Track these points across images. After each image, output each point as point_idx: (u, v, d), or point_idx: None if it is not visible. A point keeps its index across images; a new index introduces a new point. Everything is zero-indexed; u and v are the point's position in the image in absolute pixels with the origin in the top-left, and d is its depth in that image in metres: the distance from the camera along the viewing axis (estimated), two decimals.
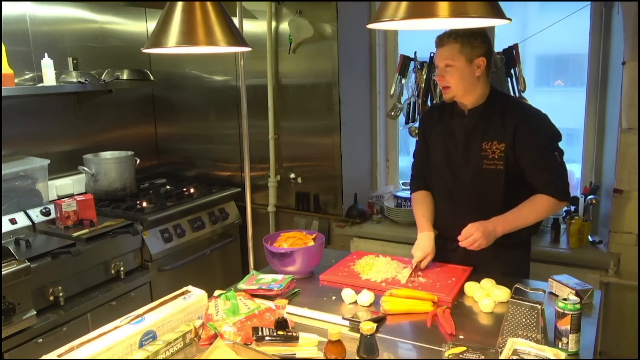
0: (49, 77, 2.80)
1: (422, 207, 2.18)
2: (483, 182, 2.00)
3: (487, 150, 1.98)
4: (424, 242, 2.06)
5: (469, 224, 1.93)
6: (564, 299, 1.45)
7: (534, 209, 1.95)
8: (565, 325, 1.44)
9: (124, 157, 3.24)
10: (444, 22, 1.42)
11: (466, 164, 2.03)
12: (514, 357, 1.34)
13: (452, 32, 1.92)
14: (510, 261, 2.07)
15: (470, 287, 1.85)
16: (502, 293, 1.76)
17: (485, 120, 1.99)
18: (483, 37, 1.95)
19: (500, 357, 1.37)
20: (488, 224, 1.91)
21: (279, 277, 1.93)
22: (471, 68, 1.93)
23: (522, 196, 1.98)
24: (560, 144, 2.02)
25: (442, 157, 2.10)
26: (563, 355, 1.35)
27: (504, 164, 1.96)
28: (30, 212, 2.76)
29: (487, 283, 1.85)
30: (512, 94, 2.84)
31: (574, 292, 1.74)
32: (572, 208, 2.84)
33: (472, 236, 1.89)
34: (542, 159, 1.95)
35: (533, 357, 1.33)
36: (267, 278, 1.92)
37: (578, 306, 1.43)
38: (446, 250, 2.12)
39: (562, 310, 1.44)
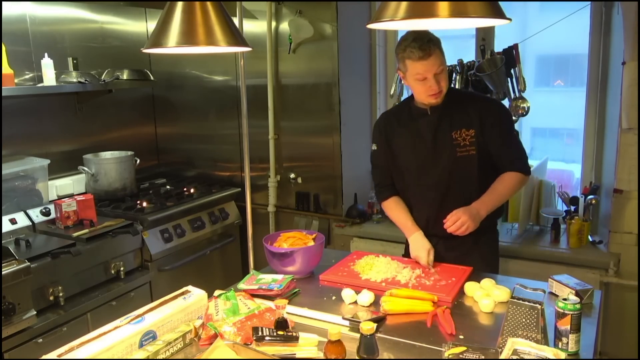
0: (49, 77, 2.80)
1: (400, 211, 2.19)
2: (459, 170, 2.07)
3: (457, 139, 2.05)
4: (422, 241, 2.09)
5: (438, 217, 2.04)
6: (564, 299, 1.45)
7: (506, 185, 2.06)
8: (565, 325, 1.44)
9: (124, 157, 3.24)
10: (444, 22, 1.42)
11: (439, 158, 2.08)
12: (514, 357, 1.34)
13: (428, 41, 1.92)
14: (486, 244, 2.18)
15: (470, 287, 1.85)
16: (502, 293, 1.77)
17: (449, 111, 2.06)
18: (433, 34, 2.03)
19: (500, 357, 1.37)
20: (471, 208, 1.99)
21: (279, 277, 1.93)
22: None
23: (492, 178, 2.09)
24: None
25: (411, 158, 2.14)
26: (563, 355, 1.35)
27: (476, 148, 2.04)
28: (30, 212, 2.76)
29: (487, 283, 1.85)
30: (512, 94, 2.85)
31: (574, 292, 1.74)
32: (572, 208, 2.84)
33: (460, 219, 1.95)
34: (507, 138, 2.08)
35: (533, 357, 1.33)
36: (267, 278, 1.92)
37: (578, 306, 1.43)
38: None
39: (562, 311, 1.44)
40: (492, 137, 2.04)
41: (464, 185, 2.08)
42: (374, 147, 2.28)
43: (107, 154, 3.29)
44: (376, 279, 1.97)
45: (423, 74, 1.95)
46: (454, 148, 2.05)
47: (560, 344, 1.46)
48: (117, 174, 3.18)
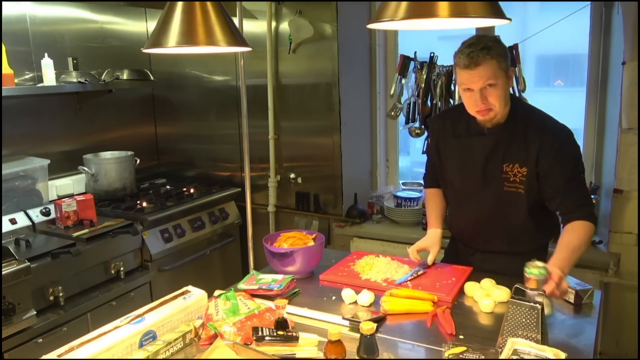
0: (49, 77, 2.80)
1: (434, 204, 2.18)
2: (504, 205, 1.92)
3: (508, 173, 1.87)
4: (433, 238, 2.09)
5: (493, 240, 2.00)
6: (531, 264, 1.57)
7: (580, 238, 1.78)
8: (532, 285, 1.55)
9: (124, 157, 3.24)
10: (444, 22, 1.42)
11: (485, 186, 1.93)
12: (514, 357, 1.34)
13: (482, 48, 1.70)
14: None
15: (470, 287, 1.85)
16: (502, 293, 1.76)
17: (506, 140, 1.85)
18: (499, 40, 1.82)
19: (500, 357, 1.37)
20: (560, 270, 1.62)
21: (279, 277, 1.93)
22: (508, 82, 1.78)
23: (541, 214, 1.94)
24: None
25: (458, 176, 2.00)
26: (563, 355, 1.35)
27: (525, 188, 1.86)
28: (30, 212, 2.76)
29: (487, 283, 1.85)
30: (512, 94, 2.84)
31: (574, 292, 1.74)
32: None
33: (555, 280, 1.59)
34: (568, 183, 1.82)
35: (533, 357, 1.33)
36: (267, 278, 1.92)
37: (544, 272, 1.56)
38: (466, 255, 2.13)
39: (528, 276, 1.57)
40: (547, 181, 1.83)
41: (507, 219, 1.95)
42: (428, 140, 2.22)
43: (107, 154, 3.29)
44: (376, 279, 1.97)
45: (467, 84, 1.75)
46: (501, 181, 1.88)
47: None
48: (117, 174, 3.18)
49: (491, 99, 1.75)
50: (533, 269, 1.56)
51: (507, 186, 1.89)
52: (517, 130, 1.84)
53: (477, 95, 1.74)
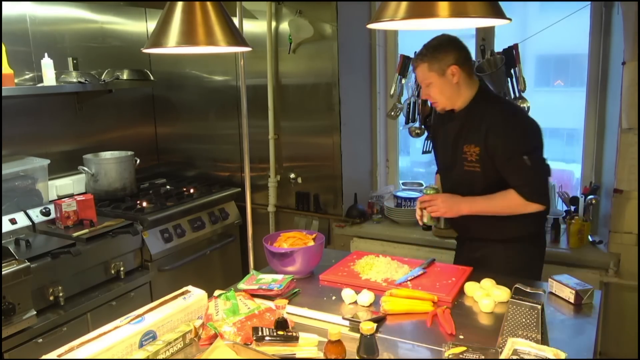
0: (49, 77, 2.80)
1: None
2: (467, 184, 2.08)
3: (466, 153, 2.05)
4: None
5: (470, 223, 2.10)
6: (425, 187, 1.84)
7: (504, 199, 2.00)
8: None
9: (124, 157, 3.24)
10: (444, 22, 1.42)
11: (453, 166, 2.12)
12: (514, 357, 1.34)
13: (419, 53, 2.02)
14: (516, 257, 2.09)
15: (470, 287, 1.85)
16: (502, 293, 1.76)
17: (468, 123, 2.05)
18: (448, 45, 2.00)
19: (500, 357, 1.37)
20: (455, 197, 2.06)
21: (279, 277, 1.93)
22: (446, 79, 2.00)
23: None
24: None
25: (441, 157, 2.25)
26: (563, 355, 1.35)
27: (481, 166, 2.02)
28: (30, 212, 2.76)
29: (487, 283, 1.85)
30: (512, 94, 2.84)
31: (574, 292, 1.74)
32: (572, 208, 2.84)
33: (436, 200, 2.06)
34: (509, 163, 1.97)
35: (533, 357, 1.33)
36: (267, 278, 1.92)
37: (431, 191, 2.02)
38: (460, 245, 2.33)
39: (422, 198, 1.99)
40: (494, 159, 1.99)
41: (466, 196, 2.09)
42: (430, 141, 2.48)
43: (107, 154, 3.29)
44: (376, 279, 1.97)
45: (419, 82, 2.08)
46: (462, 161, 2.07)
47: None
48: (117, 174, 3.18)
49: (432, 94, 2.05)
50: (428, 190, 2.04)
51: (467, 166, 2.06)
52: (477, 113, 2.04)
53: (424, 90, 2.07)
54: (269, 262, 2.09)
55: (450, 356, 1.40)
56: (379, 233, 3.15)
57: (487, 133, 1.98)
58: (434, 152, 2.38)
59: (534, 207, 1.98)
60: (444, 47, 1.98)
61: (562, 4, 2.84)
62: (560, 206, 3.00)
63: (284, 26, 3.18)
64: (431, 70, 1.99)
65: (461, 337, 1.56)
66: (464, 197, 2.05)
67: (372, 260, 2.12)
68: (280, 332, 1.50)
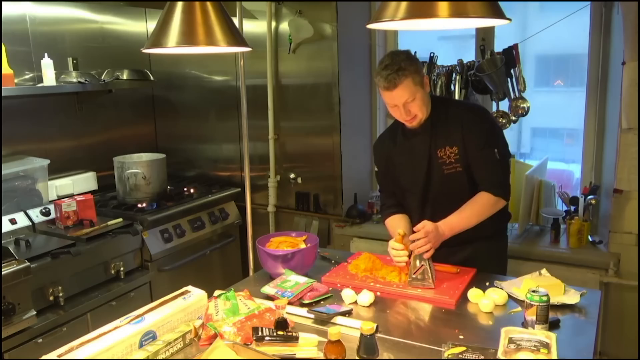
0: (49, 77, 2.79)
1: (393, 222, 2.17)
2: (450, 187, 2.04)
3: (442, 157, 2.01)
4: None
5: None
6: (533, 291, 1.54)
7: (475, 207, 1.97)
8: (531, 315, 1.53)
9: (162, 159, 3.23)
10: (443, 22, 1.42)
11: (432, 176, 2.06)
12: (514, 357, 1.35)
13: (398, 69, 1.85)
14: (493, 252, 2.16)
15: (474, 294, 1.82)
16: (500, 297, 1.77)
17: (437, 128, 2.02)
18: (413, 57, 1.94)
19: (498, 347, 1.40)
20: (430, 224, 1.88)
21: (302, 279, 1.89)
22: (424, 90, 1.97)
23: None
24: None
25: (410, 177, 2.12)
26: (553, 336, 1.42)
27: (462, 164, 2.00)
28: (30, 212, 2.76)
29: (494, 294, 1.82)
30: (512, 94, 2.85)
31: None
32: (572, 208, 2.84)
33: (427, 237, 1.85)
34: (482, 153, 1.99)
35: (526, 341, 1.41)
36: (291, 281, 1.88)
37: (545, 298, 1.52)
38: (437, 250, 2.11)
39: (529, 302, 1.54)
40: (469, 153, 1.99)
41: (455, 202, 2.00)
42: (377, 169, 2.30)
43: (142, 156, 3.28)
44: (375, 278, 1.97)
45: (390, 103, 1.94)
46: (440, 167, 2.02)
47: None
48: (165, 175, 3.21)
49: (413, 110, 1.94)
50: (534, 296, 1.54)
51: (446, 169, 2.02)
52: (440, 118, 2.02)
53: (401, 110, 1.94)
54: (263, 265, 2.09)
55: (450, 356, 1.41)
56: (379, 233, 3.14)
57: (463, 129, 1.98)
58: (385, 184, 2.25)
59: (501, 204, 2.01)
60: (412, 59, 1.92)
61: (562, 4, 2.84)
62: (560, 206, 3.00)
63: (284, 26, 3.18)
64: (416, 83, 1.90)
65: (461, 337, 1.56)
66: (441, 222, 1.93)
67: (372, 260, 2.10)
68: (280, 332, 1.50)
